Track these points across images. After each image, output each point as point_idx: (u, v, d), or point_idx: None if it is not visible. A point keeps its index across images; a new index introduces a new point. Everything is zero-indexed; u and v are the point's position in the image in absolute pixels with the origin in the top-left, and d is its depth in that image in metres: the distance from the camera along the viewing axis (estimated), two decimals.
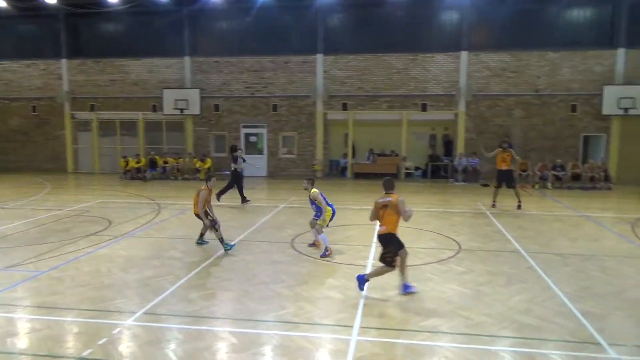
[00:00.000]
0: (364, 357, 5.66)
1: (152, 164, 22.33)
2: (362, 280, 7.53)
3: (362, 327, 6.46)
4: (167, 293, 7.63)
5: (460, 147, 20.99)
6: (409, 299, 7.47)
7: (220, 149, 23.53)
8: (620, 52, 19.70)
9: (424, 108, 21.13)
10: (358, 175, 21.44)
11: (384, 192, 7.60)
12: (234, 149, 18.05)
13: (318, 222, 9.71)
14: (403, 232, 11.61)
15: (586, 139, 20.56)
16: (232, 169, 15.57)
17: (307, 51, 21.76)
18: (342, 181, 21.22)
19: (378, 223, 7.66)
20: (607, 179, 18.99)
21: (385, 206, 7.45)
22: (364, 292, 7.54)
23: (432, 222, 12.78)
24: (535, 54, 20.25)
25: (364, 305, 7.22)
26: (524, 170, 19.53)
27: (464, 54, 20.60)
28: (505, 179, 14.52)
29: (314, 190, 9.69)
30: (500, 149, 14.64)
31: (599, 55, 19.92)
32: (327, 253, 9.61)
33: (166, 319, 6.69)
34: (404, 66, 21.18)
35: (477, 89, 20.62)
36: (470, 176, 20.32)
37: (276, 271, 8.81)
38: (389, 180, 7.68)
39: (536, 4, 20.20)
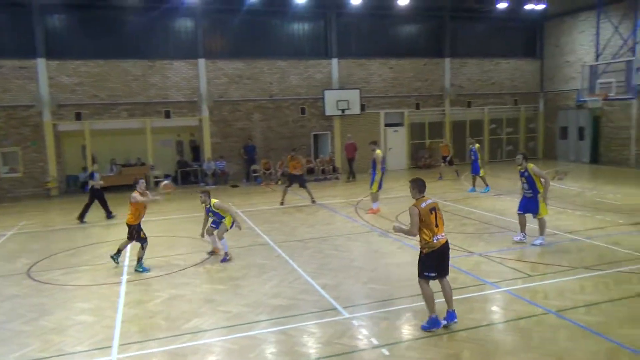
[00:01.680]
0: None
1: None
2: (453, 316, 6.38)
3: (121, 345, 6.23)
4: None
5: (207, 151, 21.51)
6: (168, 308, 7.47)
7: None
8: (334, 62, 23.12)
9: (167, 115, 20.91)
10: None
11: (419, 195, 6.33)
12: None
13: (219, 229, 9.70)
14: (156, 241, 11.48)
15: (316, 137, 23.48)
16: (90, 186, 14.43)
17: (24, 55, 19.13)
18: (84, 197, 19.40)
19: (435, 235, 6.21)
20: (334, 170, 22.14)
21: (434, 209, 6.25)
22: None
23: (187, 227, 12.87)
24: (267, 62, 22.14)
25: (122, 322, 6.95)
26: (267, 169, 21.21)
27: (201, 62, 21.12)
28: (297, 181, 15.80)
29: (215, 200, 9.78)
30: (290, 156, 15.97)
31: (318, 64, 22.97)
32: (227, 258, 9.65)
33: None
34: (142, 73, 20.56)
35: (218, 95, 21.43)
36: (220, 179, 21.05)
37: (13, 307, 7.70)
38: (421, 180, 6.40)
39: (264, 16, 22.01)
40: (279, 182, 20.83)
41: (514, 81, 26.35)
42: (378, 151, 14.05)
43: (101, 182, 14.68)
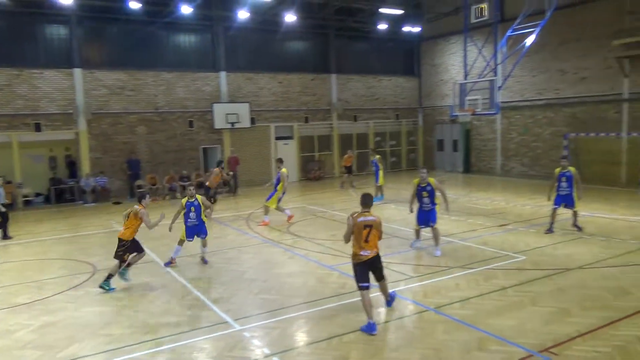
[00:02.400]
0: None
1: None
2: (393, 297, 7.36)
3: None
4: None
5: (85, 167, 20.05)
6: (42, 336, 6.82)
7: None
8: (222, 75, 22.88)
9: (37, 128, 19.15)
10: None
11: (362, 210, 6.68)
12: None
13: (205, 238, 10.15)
14: (26, 265, 10.45)
15: (205, 150, 22.97)
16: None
17: None
18: None
19: (362, 250, 6.62)
20: (225, 184, 21.71)
21: (369, 226, 6.57)
22: None
23: (60, 249, 11.86)
24: (151, 73, 21.26)
25: None
26: (154, 184, 20.31)
27: (77, 71, 19.71)
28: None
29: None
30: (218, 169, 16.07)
31: (206, 77, 22.58)
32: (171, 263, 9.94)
33: None
34: (8, 82, 18.66)
35: (97, 107, 20.13)
36: (101, 196, 19.71)
37: None
38: (368, 196, 6.80)
39: (148, 26, 21.16)
40: (166, 198, 20.04)
41: (395, 97, 28.08)
42: (284, 169, 14.21)
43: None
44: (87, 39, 20.27)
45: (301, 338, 6.59)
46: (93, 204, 19.11)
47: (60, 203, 19.56)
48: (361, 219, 6.63)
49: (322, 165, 25.48)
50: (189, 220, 10.04)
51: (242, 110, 22.68)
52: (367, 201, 6.79)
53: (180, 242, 10.16)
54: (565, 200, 11.55)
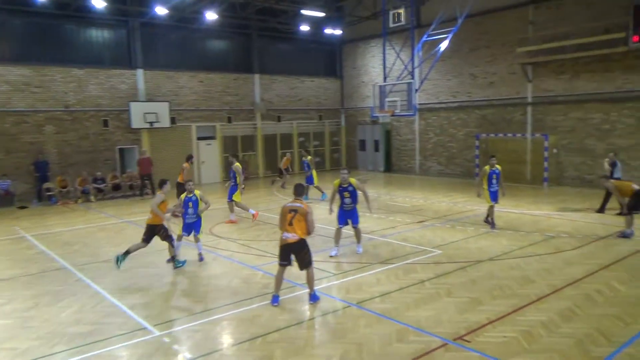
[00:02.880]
0: None
1: None
2: (316, 297, 7.52)
3: None
4: None
5: None
6: None
7: None
8: (140, 73, 21.94)
9: None
10: None
11: (295, 197, 7.41)
12: None
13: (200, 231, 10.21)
14: None
15: (121, 151, 21.91)
16: None
17: None
18: None
19: (284, 232, 7.22)
20: (144, 185, 20.73)
21: (294, 211, 7.13)
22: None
23: None
24: (60, 69, 19.92)
25: None
26: (64, 187, 19.07)
27: None
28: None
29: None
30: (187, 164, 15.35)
31: (122, 74, 21.53)
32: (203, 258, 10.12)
33: None
34: None
35: None
36: (4, 200, 18.19)
37: None
38: (300, 186, 7.59)
39: (56, 19, 19.82)
40: (79, 201, 18.91)
41: (318, 98, 28.39)
42: (237, 163, 14.18)
43: None
44: None
45: (224, 340, 6.48)
46: None
47: None
48: (289, 204, 7.32)
49: (246, 165, 25.16)
50: (187, 215, 10.05)
51: (162, 110, 21.93)
52: (298, 190, 7.52)
53: (179, 238, 9.97)
54: (497, 196, 12.26)
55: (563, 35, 18.59)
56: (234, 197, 13.98)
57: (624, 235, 10.93)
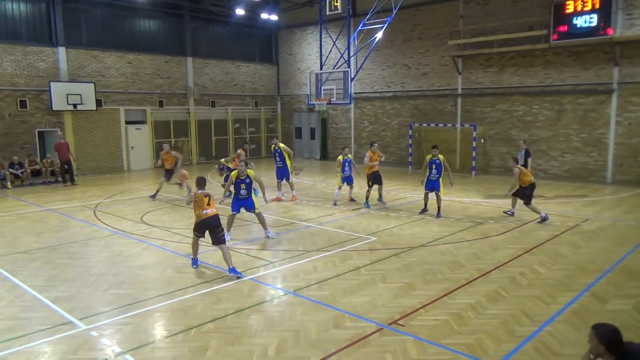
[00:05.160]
0: None
1: None
2: (235, 271, 8.07)
3: None
4: None
5: None
6: None
7: None
8: (62, 51, 20.53)
9: None
10: None
11: (199, 187, 8.50)
12: None
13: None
14: None
15: (41, 134, 20.49)
16: None
17: None
18: None
19: (204, 209, 8.30)
20: (67, 171, 19.43)
21: (208, 195, 8.42)
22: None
23: None
24: None
25: None
26: None
27: None
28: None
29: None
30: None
31: (41, 51, 20.05)
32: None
33: None
34: None
35: None
36: None
37: None
38: (204, 179, 8.67)
39: None
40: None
41: (254, 84, 27.94)
42: (281, 144, 15.14)
43: None
44: None
45: (157, 332, 6.23)
46: None
47: None
48: (200, 191, 8.45)
49: (178, 151, 24.35)
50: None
51: (86, 91, 20.69)
52: (201, 182, 8.60)
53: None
54: (434, 185, 12.58)
55: (490, 31, 19.43)
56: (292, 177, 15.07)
57: (544, 219, 11.74)
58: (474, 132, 20.55)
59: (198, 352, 5.62)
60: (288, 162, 15.02)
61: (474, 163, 20.62)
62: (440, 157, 12.55)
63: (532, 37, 18.15)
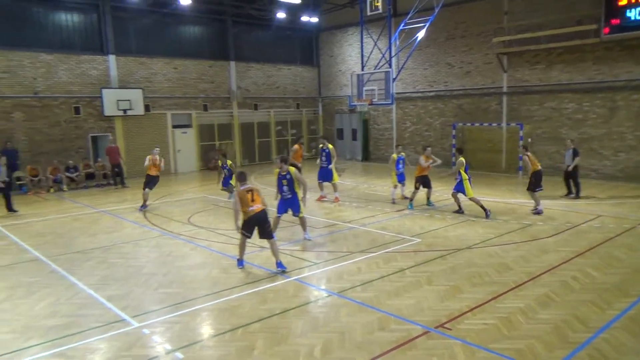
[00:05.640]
0: None
1: None
2: (282, 265, 8.43)
3: None
4: None
5: None
6: None
7: None
8: (112, 58, 21.35)
9: None
10: None
11: (241, 183, 8.57)
12: None
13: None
14: None
15: (94, 139, 21.37)
16: None
17: None
18: None
19: (250, 207, 8.34)
20: (118, 174, 20.22)
21: (251, 190, 8.43)
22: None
23: None
24: (28, 54, 19.23)
25: None
26: (35, 176, 18.53)
27: None
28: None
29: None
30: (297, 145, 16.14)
31: (93, 60, 20.92)
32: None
33: None
34: None
35: None
36: None
37: None
38: (244, 173, 8.72)
39: (23, 2, 19.12)
40: (51, 190, 18.40)
41: (295, 86, 28.18)
42: (330, 145, 15.11)
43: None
44: None
45: (205, 331, 6.39)
46: None
47: None
48: (242, 187, 8.47)
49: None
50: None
51: (135, 97, 21.44)
52: (242, 177, 8.63)
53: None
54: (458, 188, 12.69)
55: (537, 26, 18.82)
56: (334, 179, 14.88)
57: (537, 212, 12.10)
58: (521, 131, 19.97)
59: (245, 351, 5.72)
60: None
61: (520, 163, 20.05)
62: (462, 159, 12.78)
63: (582, 31, 17.45)
